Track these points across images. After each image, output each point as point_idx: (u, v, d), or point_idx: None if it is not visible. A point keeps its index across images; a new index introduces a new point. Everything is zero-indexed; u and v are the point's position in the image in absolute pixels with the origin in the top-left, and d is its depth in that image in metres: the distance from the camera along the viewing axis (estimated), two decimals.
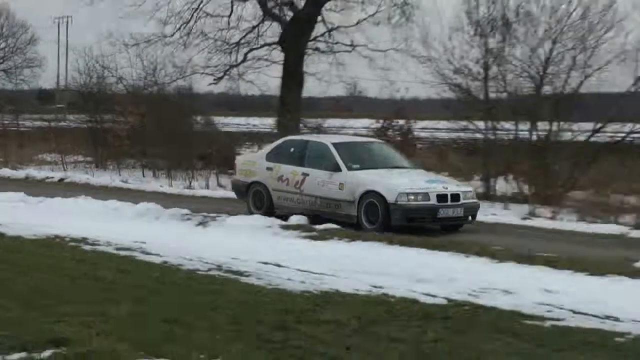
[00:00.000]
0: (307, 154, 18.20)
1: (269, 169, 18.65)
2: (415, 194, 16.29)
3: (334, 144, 18.01)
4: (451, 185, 17.24)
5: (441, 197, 16.48)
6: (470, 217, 16.99)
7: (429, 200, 16.39)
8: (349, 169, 17.29)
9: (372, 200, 16.50)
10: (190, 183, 26.84)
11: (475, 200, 17.19)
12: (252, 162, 19.49)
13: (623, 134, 23.10)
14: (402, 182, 16.77)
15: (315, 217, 17.30)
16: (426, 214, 16.49)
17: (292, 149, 18.63)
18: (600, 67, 23.06)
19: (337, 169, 17.33)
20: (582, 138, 23.04)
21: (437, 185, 16.86)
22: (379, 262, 12.77)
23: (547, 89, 24.03)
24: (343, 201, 17.03)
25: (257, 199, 18.74)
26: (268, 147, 19.67)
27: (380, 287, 10.91)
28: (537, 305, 9.91)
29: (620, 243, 15.57)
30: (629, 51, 22.74)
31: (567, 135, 23.25)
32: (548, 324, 9.17)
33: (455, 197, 16.61)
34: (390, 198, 16.22)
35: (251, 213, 18.16)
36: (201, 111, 32.44)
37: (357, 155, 18.06)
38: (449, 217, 16.62)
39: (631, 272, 11.99)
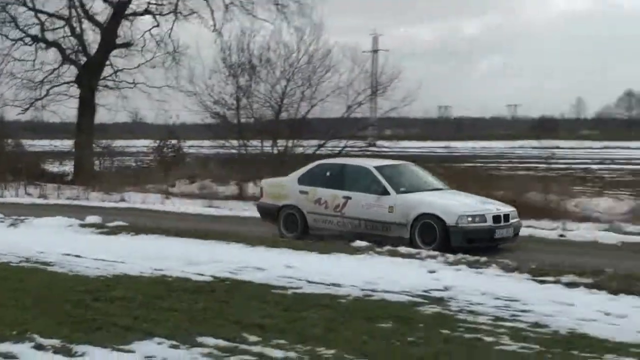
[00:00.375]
0: (346, 178, 14.81)
1: (303, 192, 14.97)
2: (474, 216, 13.43)
3: (377, 168, 14.56)
4: (502, 207, 14.17)
5: (496, 219, 13.61)
6: (515, 236, 14.12)
7: (485, 222, 13.48)
8: (398, 192, 14.05)
9: (428, 222, 13.42)
10: (2, 192, 26.30)
11: (518, 219, 14.28)
12: (281, 185, 15.61)
13: (340, 148, 24.92)
14: (459, 204, 13.84)
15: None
16: (484, 236, 13.49)
17: (328, 173, 15.04)
18: (322, 99, 25.55)
19: (385, 192, 14.02)
20: (310, 151, 24.85)
21: (490, 207, 13.97)
22: (160, 249, 12.43)
23: (284, 115, 26.07)
24: (393, 224, 13.81)
25: (289, 222, 15.06)
26: (300, 171, 15.65)
27: (161, 269, 10.65)
28: (282, 278, 9.95)
29: None
30: (342, 87, 24.97)
31: (299, 149, 25.20)
32: (290, 292, 9.22)
33: (507, 217, 13.80)
34: (450, 221, 13.26)
35: (282, 236, 14.71)
36: (11, 135, 31.98)
37: (399, 178, 14.76)
38: (502, 237, 13.73)
39: (350, 250, 12.29)
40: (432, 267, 10.92)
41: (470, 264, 11.06)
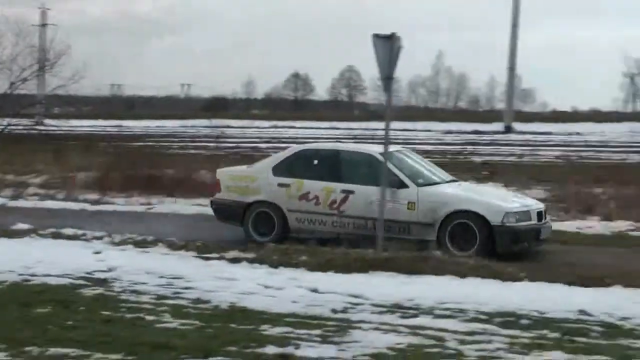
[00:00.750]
0: (344, 167, 12.10)
1: (283, 185, 12.03)
2: (520, 214, 11.12)
3: (383, 154, 11.26)
4: (537, 202, 12.06)
5: (539, 215, 11.37)
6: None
7: (530, 219, 11.18)
8: (417, 184, 11.51)
9: (463, 222, 10.99)
10: None
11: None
12: (250, 177, 12.43)
13: (2, 126, 23.34)
14: (500, 200, 11.59)
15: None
16: (532, 236, 11.16)
17: (316, 161, 12.29)
18: None
19: (402, 184, 11.38)
20: None
21: (530, 202, 11.89)
22: None
23: None
24: (415, 224, 11.26)
25: (261, 223, 12.06)
26: (273, 159, 12.76)
27: None
28: None
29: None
30: (4, 62, 23.44)
31: None
32: None
33: (545, 214, 11.70)
34: (495, 220, 10.87)
35: (251, 240, 11.75)
36: None
37: (411, 167, 12.10)
38: (546, 237, 11.45)
39: (8, 233, 11.63)
40: (98, 247, 10.70)
41: (137, 244, 11.02)
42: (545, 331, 6.87)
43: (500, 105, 74.09)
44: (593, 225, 13.33)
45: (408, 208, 11.25)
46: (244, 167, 13.15)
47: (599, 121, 64.05)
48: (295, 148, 12.98)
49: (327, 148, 13.32)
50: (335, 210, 11.66)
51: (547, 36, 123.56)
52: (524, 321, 7.22)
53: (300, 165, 12.24)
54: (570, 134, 50.65)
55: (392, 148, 11.73)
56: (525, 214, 11.08)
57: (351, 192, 11.63)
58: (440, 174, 12.31)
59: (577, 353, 6.22)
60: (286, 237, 11.71)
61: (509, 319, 7.28)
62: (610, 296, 8.40)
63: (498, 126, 54.52)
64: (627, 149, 35.01)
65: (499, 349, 6.33)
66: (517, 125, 54.35)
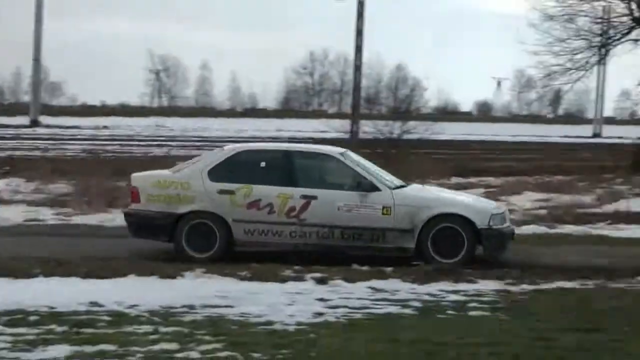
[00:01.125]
0: (299, 170, 10.66)
1: (225, 192, 10.38)
2: (502, 215, 10.55)
3: (343, 154, 10.80)
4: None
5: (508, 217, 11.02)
6: None
7: (506, 222, 10.60)
8: (390, 187, 10.47)
9: (448, 225, 10.13)
10: None
11: None
12: (178, 183, 10.48)
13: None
14: (481, 201, 11.27)
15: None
16: (509, 239, 10.51)
17: (263, 164, 10.68)
18: None
19: (372, 188, 10.33)
20: None
21: (493, 203, 11.48)
22: None
23: None
24: (390, 230, 10.20)
25: (197, 237, 10.31)
26: (206, 161, 10.87)
27: None
28: None
29: None
30: None
31: None
32: None
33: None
34: (482, 222, 10.11)
35: (187, 257, 10.08)
36: None
37: (371, 169, 10.92)
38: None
39: None
40: None
41: None
42: (53, 325, 6.80)
43: (26, 98, 71.83)
44: (114, 218, 13.59)
45: (383, 213, 10.28)
46: (166, 172, 11.14)
47: (127, 115, 65.69)
48: (234, 148, 11.31)
49: (275, 148, 11.96)
50: (295, 219, 10.39)
51: (79, 30, 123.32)
52: (32, 318, 7.06)
53: (244, 168, 10.77)
54: (98, 127, 51.24)
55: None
56: (503, 217, 10.68)
57: (313, 197, 10.41)
58: (387, 175, 11.19)
59: (83, 344, 6.26)
60: (232, 251, 10.42)
61: (16, 317, 7.07)
62: (124, 286, 8.66)
63: (23, 120, 52.88)
64: (151, 142, 36.47)
65: (1, 348, 6.13)
66: (45, 119, 53.31)
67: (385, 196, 10.35)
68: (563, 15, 20.99)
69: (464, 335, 6.72)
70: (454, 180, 19.79)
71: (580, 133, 58.13)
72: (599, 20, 21.93)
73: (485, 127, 60.73)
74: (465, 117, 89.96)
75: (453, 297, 8.35)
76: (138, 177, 10.97)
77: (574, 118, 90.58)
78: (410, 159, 20.18)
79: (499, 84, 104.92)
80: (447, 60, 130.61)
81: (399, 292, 8.56)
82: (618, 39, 23.45)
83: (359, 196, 10.33)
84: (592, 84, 51.39)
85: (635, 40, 23.62)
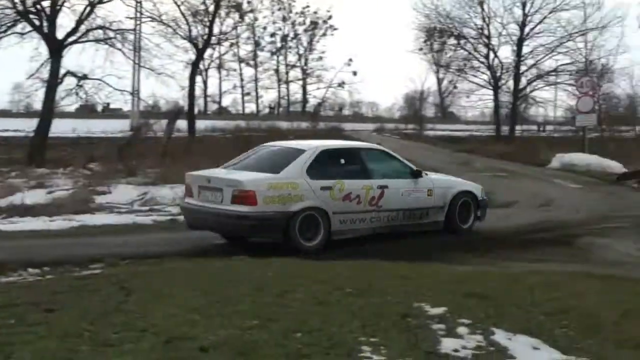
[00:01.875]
0: (368, 164, 12.07)
1: (325, 188, 11.27)
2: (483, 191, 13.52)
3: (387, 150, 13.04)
4: None
5: None
6: None
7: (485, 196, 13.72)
8: (426, 173, 12.75)
9: (466, 200, 12.77)
10: None
11: None
12: (289, 184, 11.06)
13: None
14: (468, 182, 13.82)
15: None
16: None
17: (342, 161, 11.88)
18: None
19: (418, 174, 12.40)
20: None
21: None
22: None
23: None
24: (432, 208, 12.46)
25: (308, 230, 11.03)
26: (300, 161, 11.35)
27: None
28: None
29: None
30: None
31: None
32: None
33: None
34: (481, 196, 13.11)
35: (298, 250, 10.65)
36: None
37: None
38: None
39: None
40: None
41: None
42: None
43: None
44: None
45: (428, 195, 12.35)
46: (280, 175, 11.20)
47: None
48: (317, 147, 11.95)
49: (348, 146, 13.22)
50: (374, 207, 11.80)
51: None
52: None
53: (329, 166, 11.74)
54: None
55: None
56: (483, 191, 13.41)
57: (385, 186, 11.93)
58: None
59: None
60: (330, 239, 11.33)
61: None
62: None
63: None
64: None
65: None
66: None
67: (427, 181, 12.50)
68: None
69: None
70: None
71: None
72: None
73: None
74: None
75: None
76: (251, 182, 11.05)
77: None
78: None
79: None
80: None
81: None
82: (4, 31, 23.54)
83: (413, 182, 12.31)
84: None
85: (22, 34, 23.99)
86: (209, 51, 50.69)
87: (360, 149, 12.71)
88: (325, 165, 11.64)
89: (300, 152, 11.70)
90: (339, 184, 11.51)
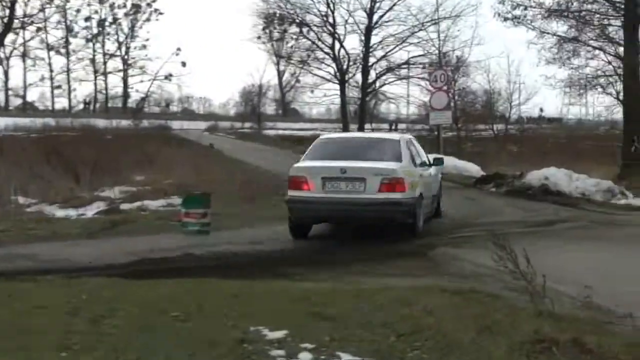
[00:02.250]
0: (413, 153, 14.30)
1: (421, 175, 14.12)
2: None
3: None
4: None
5: None
6: None
7: None
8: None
9: None
10: None
11: None
12: (414, 172, 13.72)
13: None
14: None
15: None
16: None
17: (414, 149, 14.63)
18: None
19: (442, 162, 16.41)
20: None
21: None
22: None
23: None
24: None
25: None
26: (403, 151, 13.78)
27: None
28: None
29: None
30: None
31: None
32: None
33: None
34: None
35: (419, 231, 13.46)
36: None
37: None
38: None
39: None
40: None
41: None
42: None
43: None
44: None
45: (442, 179, 16.75)
46: (397, 163, 13.32)
47: None
48: (398, 138, 14.49)
49: (396, 138, 14.63)
50: (431, 192, 14.98)
51: None
52: None
53: (412, 155, 14.11)
54: None
55: None
56: None
57: (430, 173, 15.16)
58: None
59: None
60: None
61: None
62: None
63: None
64: None
65: None
66: None
67: (439, 168, 15.82)
68: None
69: None
70: None
71: None
72: None
73: None
74: None
75: None
76: (400, 169, 13.11)
77: None
78: None
79: None
80: None
81: None
82: None
83: (437, 169, 15.63)
84: None
85: None
86: (10, 36, 49.00)
87: (410, 140, 15.11)
88: (411, 154, 14.05)
89: (395, 142, 14.08)
90: (419, 171, 14.02)
